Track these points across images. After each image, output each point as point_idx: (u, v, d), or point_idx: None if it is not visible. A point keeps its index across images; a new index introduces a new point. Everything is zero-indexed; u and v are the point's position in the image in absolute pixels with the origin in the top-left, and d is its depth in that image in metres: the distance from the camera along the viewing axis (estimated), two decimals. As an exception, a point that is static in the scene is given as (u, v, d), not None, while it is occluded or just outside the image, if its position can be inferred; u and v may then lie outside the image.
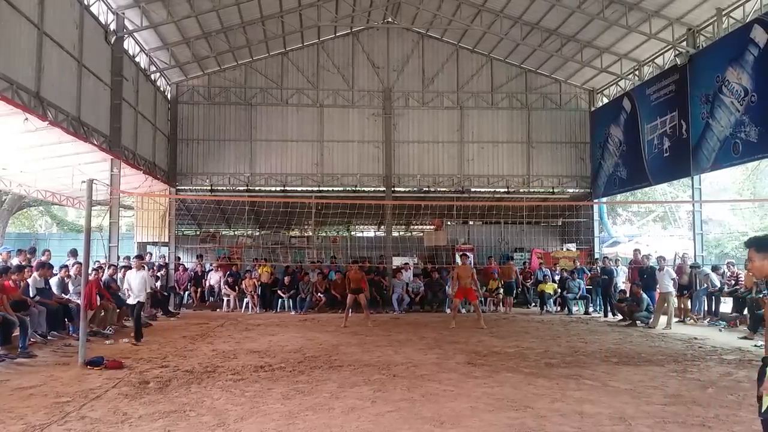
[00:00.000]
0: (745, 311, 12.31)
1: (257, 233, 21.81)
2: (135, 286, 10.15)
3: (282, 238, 21.67)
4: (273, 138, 19.73)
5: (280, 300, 16.61)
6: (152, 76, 17.22)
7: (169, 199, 18.91)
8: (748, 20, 12.99)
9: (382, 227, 21.97)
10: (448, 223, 21.57)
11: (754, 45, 12.38)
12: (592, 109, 20.52)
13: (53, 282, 10.98)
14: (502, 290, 17.02)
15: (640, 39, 16.30)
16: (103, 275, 12.25)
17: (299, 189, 20.14)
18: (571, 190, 20.83)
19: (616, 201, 22.92)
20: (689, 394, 6.26)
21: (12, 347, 8.52)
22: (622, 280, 16.48)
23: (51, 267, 11.15)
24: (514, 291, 17.47)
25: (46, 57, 10.47)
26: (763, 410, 3.05)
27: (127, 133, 14.81)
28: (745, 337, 10.86)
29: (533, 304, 17.75)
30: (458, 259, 18.91)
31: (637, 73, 17.96)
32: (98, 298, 10.97)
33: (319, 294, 16.43)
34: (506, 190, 20.43)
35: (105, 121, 13.48)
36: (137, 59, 15.84)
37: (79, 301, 10.28)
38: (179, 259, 18.81)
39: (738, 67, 12.89)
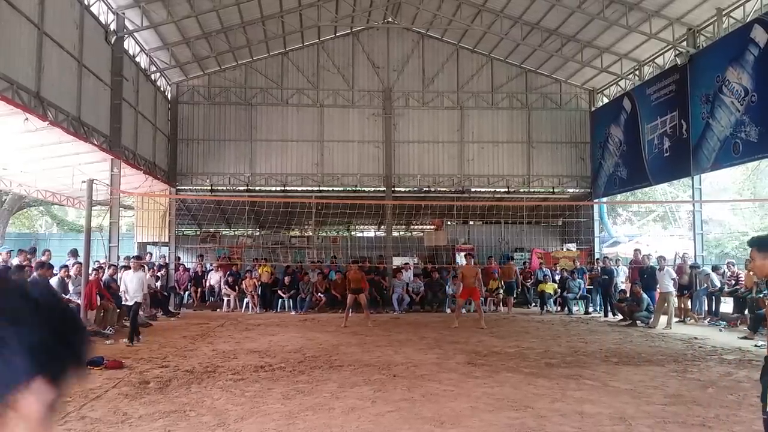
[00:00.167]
0: (746, 311, 12.32)
1: (257, 233, 21.80)
2: (132, 287, 10.02)
3: (282, 238, 21.66)
4: (273, 138, 19.73)
5: (280, 300, 16.61)
6: (152, 76, 17.21)
7: (169, 199, 18.91)
8: (748, 20, 12.98)
9: (382, 227, 21.96)
10: (448, 223, 21.56)
11: (754, 45, 12.37)
12: (593, 109, 20.51)
13: (53, 282, 10.97)
14: (502, 290, 17.03)
15: (640, 39, 16.29)
16: (103, 275, 12.26)
17: (299, 189, 20.13)
18: (571, 190, 20.83)
19: (616, 201, 22.91)
20: (689, 394, 6.26)
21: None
22: (622, 280, 16.47)
23: (51, 267, 11.15)
24: (515, 291, 17.47)
25: (46, 57, 10.47)
26: (767, 409, 3.05)
27: (127, 133, 14.81)
28: (745, 337, 10.86)
29: (533, 304, 17.74)
30: (459, 259, 18.96)
31: (637, 73, 17.95)
32: (98, 298, 10.99)
33: (319, 294, 16.43)
34: (506, 190, 20.42)
35: (105, 121, 13.48)
36: (137, 59, 15.84)
37: (79, 301, 10.30)
38: (179, 259, 18.82)
39: (738, 67, 12.88)
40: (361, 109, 20.02)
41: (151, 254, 18.30)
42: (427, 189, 20.28)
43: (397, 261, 19.38)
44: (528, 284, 18.10)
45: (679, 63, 15.23)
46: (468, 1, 17.32)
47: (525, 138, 20.48)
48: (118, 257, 13.98)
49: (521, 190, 20.49)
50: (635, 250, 16.98)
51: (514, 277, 17.55)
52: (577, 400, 5.95)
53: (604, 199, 20.35)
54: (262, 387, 6.51)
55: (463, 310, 14.19)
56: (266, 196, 19.04)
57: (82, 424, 5.04)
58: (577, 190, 20.78)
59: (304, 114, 19.84)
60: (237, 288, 16.75)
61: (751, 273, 12.20)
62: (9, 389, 0.63)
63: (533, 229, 21.67)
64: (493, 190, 20.44)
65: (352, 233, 23.95)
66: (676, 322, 13.16)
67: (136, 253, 17.58)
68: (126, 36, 14.46)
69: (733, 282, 13.52)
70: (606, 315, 15.36)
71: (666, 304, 12.98)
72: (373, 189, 20.11)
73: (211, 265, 18.65)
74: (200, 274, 17.55)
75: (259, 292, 16.56)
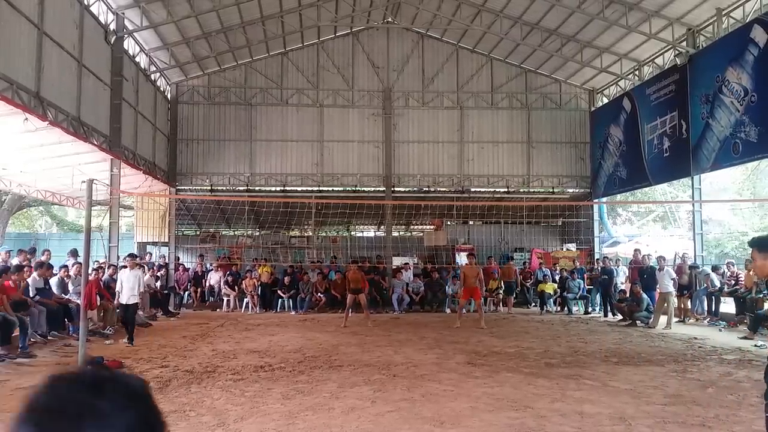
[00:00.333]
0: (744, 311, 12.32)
1: (257, 233, 21.80)
2: (127, 285, 9.82)
3: (282, 238, 21.67)
4: (273, 138, 19.73)
5: (280, 300, 16.61)
6: (152, 76, 17.21)
7: (169, 199, 18.91)
8: (748, 20, 12.99)
9: (382, 227, 21.97)
10: (448, 223, 21.56)
11: (754, 45, 12.37)
12: (592, 109, 20.52)
13: (53, 282, 10.98)
14: (502, 290, 17.03)
15: (640, 39, 16.29)
16: (103, 275, 12.26)
17: (299, 189, 20.14)
18: (571, 190, 20.83)
19: (616, 201, 22.91)
20: (689, 394, 6.26)
21: (12, 347, 8.52)
22: (622, 280, 16.47)
23: (51, 267, 11.15)
24: (515, 291, 17.47)
25: (46, 57, 10.47)
26: None
27: (127, 133, 14.81)
28: (745, 337, 10.86)
29: (533, 304, 17.74)
30: (459, 259, 18.95)
31: (637, 73, 17.95)
32: (98, 298, 10.99)
33: (319, 294, 16.43)
34: (506, 190, 20.42)
35: (105, 121, 13.48)
36: (137, 59, 15.84)
37: (79, 301, 10.29)
38: (178, 259, 18.82)
39: (738, 67, 12.88)
40: (361, 109, 20.03)
41: (151, 254, 18.30)
42: (427, 189, 20.28)
43: (397, 261, 19.38)
44: (528, 284, 18.10)
45: (678, 63, 15.23)
46: (468, 1, 17.33)
47: (525, 138, 20.48)
48: (118, 257, 13.98)
49: (521, 190, 20.49)
50: (635, 250, 16.98)
51: (514, 277, 17.56)
52: (577, 400, 5.95)
53: (604, 199, 20.35)
54: (262, 387, 6.51)
55: (463, 310, 14.17)
56: (266, 196, 19.04)
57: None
58: (577, 190, 20.79)
59: (304, 114, 19.84)
60: (237, 288, 16.75)
61: (751, 273, 12.22)
62: None
63: (533, 229, 21.67)
64: (492, 190, 20.44)
65: (352, 233, 23.95)
66: (676, 322, 13.16)
67: (136, 253, 17.59)
68: (126, 36, 14.46)
69: (733, 282, 13.52)
70: (606, 315, 15.36)
71: (666, 304, 12.98)
72: (373, 189, 20.11)
73: (210, 265, 18.66)
74: (200, 274, 17.56)
75: (259, 292, 16.57)
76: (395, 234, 21.51)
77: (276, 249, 20.66)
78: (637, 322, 13.04)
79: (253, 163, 19.67)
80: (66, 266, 11.73)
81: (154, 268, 16.05)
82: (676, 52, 15.46)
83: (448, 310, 16.18)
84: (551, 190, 20.85)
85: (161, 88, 18.32)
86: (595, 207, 20.55)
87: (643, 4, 14.92)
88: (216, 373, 7.28)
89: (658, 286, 13.21)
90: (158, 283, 15.51)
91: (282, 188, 19.81)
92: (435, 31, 19.96)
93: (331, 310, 15.95)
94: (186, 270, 17.64)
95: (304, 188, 20.11)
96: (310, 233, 21.74)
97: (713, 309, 13.69)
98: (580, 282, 16.68)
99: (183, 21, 15.58)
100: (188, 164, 19.52)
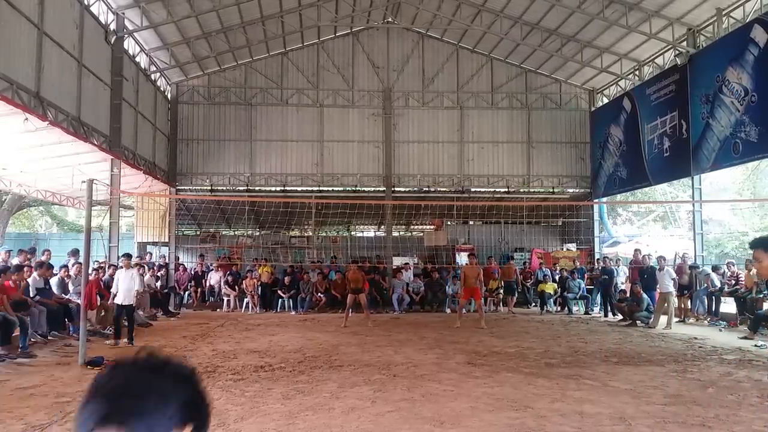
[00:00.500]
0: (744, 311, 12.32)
1: (257, 233, 21.81)
2: (122, 286, 9.72)
3: (282, 238, 21.67)
4: (273, 138, 19.73)
5: (280, 300, 16.61)
6: (152, 76, 17.21)
7: (169, 199, 18.91)
8: (748, 20, 12.98)
9: (382, 227, 21.97)
10: (448, 223, 21.56)
11: (754, 45, 12.37)
12: (592, 109, 20.51)
13: (53, 282, 10.98)
14: (502, 290, 17.02)
15: (640, 39, 16.29)
16: (103, 275, 12.26)
17: (299, 189, 20.14)
18: (571, 190, 20.83)
19: (616, 201, 22.90)
20: (689, 394, 6.26)
21: (12, 347, 8.52)
22: (622, 280, 16.47)
23: (51, 267, 11.15)
24: (516, 291, 17.47)
25: (46, 57, 10.47)
26: None
27: (127, 133, 14.81)
28: (745, 337, 10.86)
29: (533, 304, 17.74)
30: (459, 259, 18.95)
31: (637, 73, 17.95)
32: (98, 298, 10.99)
33: (319, 294, 16.43)
34: (506, 190, 20.42)
35: (105, 121, 13.48)
36: (137, 59, 15.84)
37: (79, 301, 10.28)
38: (178, 258, 18.82)
39: (738, 66, 12.88)
40: (361, 109, 20.02)
41: (151, 254, 18.30)
42: (427, 189, 20.28)
43: (397, 261, 19.38)
44: (528, 284, 18.10)
45: (679, 63, 15.23)
46: (468, 1, 17.32)
47: (525, 138, 20.48)
48: (118, 257, 13.96)
49: (521, 190, 20.49)
50: (635, 250, 16.98)
51: (514, 276, 17.56)
52: (577, 400, 5.95)
53: (604, 199, 20.35)
54: (262, 387, 6.51)
55: (463, 310, 14.17)
56: (266, 196, 19.04)
57: (82, 424, 5.03)
58: (577, 190, 20.78)
59: (304, 114, 19.84)
60: (237, 288, 16.75)
61: (751, 273, 12.23)
62: (171, 430, 0.97)
63: (533, 229, 21.67)
64: (493, 190, 20.44)
65: (352, 233, 23.95)
66: (676, 322, 13.16)
67: (137, 253, 17.61)
68: (126, 36, 14.46)
69: (733, 282, 13.52)
70: (606, 315, 15.36)
71: (666, 304, 12.98)
72: (373, 189, 20.11)
73: (211, 265, 18.66)
74: (200, 274, 17.56)
75: (259, 292, 16.57)
76: (395, 234, 21.51)
77: (276, 249, 20.66)
78: (638, 322, 13.04)
79: (253, 163, 19.67)
80: (66, 266, 11.73)
81: (155, 268, 16.05)
82: (676, 52, 15.46)
83: (448, 310, 16.19)
84: (551, 190, 20.85)
85: (161, 88, 18.32)
86: (596, 207, 20.54)
87: (643, 4, 14.92)
88: (216, 373, 7.28)
89: (658, 286, 13.21)
90: (158, 283, 15.51)
91: (282, 188, 19.81)
92: (435, 31, 19.96)
93: (331, 310, 15.96)
94: (186, 270, 17.64)
95: (304, 188, 20.11)
96: (310, 233, 21.75)
97: (713, 309, 13.69)
98: (580, 282, 16.68)
99: (183, 21, 15.58)
100: (188, 164, 19.52)
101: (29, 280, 10.19)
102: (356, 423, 5.09)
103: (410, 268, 18.12)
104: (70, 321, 10.50)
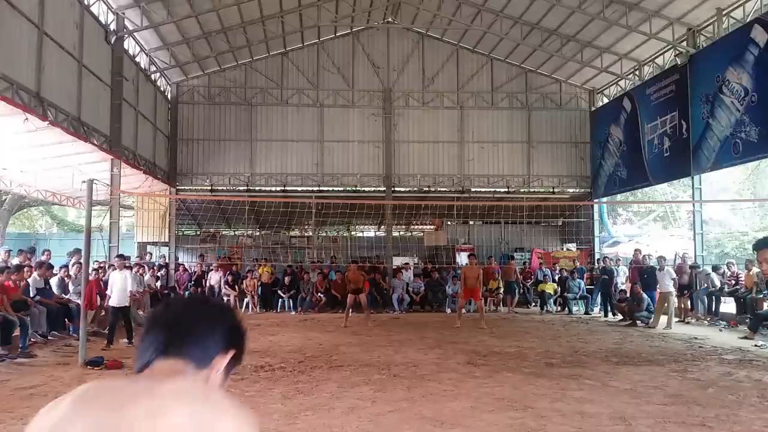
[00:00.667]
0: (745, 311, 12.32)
1: (257, 233, 21.81)
2: (116, 287, 9.61)
3: (282, 238, 21.67)
4: (273, 138, 19.73)
5: (280, 300, 16.61)
6: (152, 76, 17.21)
7: (169, 199, 18.92)
8: (748, 20, 12.98)
9: (382, 227, 21.97)
10: (448, 223, 21.56)
11: (754, 45, 12.37)
12: (593, 109, 20.51)
13: (53, 282, 10.98)
14: (502, 290, 17.02)
15: (640, 39, 16.29)
16: (103, 275, 12.24)
17: (299, 189, 20.14)
18: (571, 190, 20.83)
19: (616, 201, 22.90)
20: (689, 394, 6.26)
21: (12, 347, 8.52)
22: (622, 280, 16.47)
23: (51, 267, 11.15)
24: (516, 290, 17.46)
25: (46, 57, 10.47)
26: None
27: (127, 133, 14.81)
28: (745, 337, 10.85)
29: (533, 304, 17.73)
30: (459, 259, 18.95)
31: (637, 73, 17.95)
32: (98, 298, 10.98)
33: (319, 294, 16.43)
34: (506, 190, 20.42)
35: (105, 121, 13.48)
36: (137, 59, 15.84)
37: (79, 301, 10.28)
38: (178, 258, 18.81)
39: (738, 67, 12.88)
40: (361, 109, 20.03)
41: (151, 254, 18.30)
42: (427, 189, 20.28)
43: (397, 261, 19.38)
44: (528, 284, 18.10)
45: (679, 63, 15.23)
46: (468, 1, 17.32)
47: (525, 138, 20.48)
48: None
49: (521, 190, 20.49)
50: (635, 250, 16.96)
51: (514, 276, 17.55)
52: (577, 400, 5.95)
53: (604, 199, 20.35)
54: (262, 387, 6.51)
55: (463, 310, 14.18)
56: (266, 196, 19.04)
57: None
58: (577, 190, 20.78)
59: (304, 114, 19.84)
60: (237, 288, 16.74)
61: (751, 273, 12.23)
62: (215, 354, 1.16)
63: (533, 229, 21.67)
64: (493, 190, 20.44)
65: (352, 233, 23.95)
66: (677, 322, 13.16)
67: (137, 253, 17.61)
68: (126, 36, 14.46)
69: (733, 282, 13.52)
70: (606, 315, 15.36)
71: (666, 304, 12.97)
72: (373, 189, 20.12)
73: (211, 266, 18.64)
74: (200, 274, 17.54)
75: (259, 292, 16.56)
76: (395, 234, 21.51)
77: (276, 249, 20.66)
78: (638, 322, 13.03)
79: (254, 163, 19.68)
80: (66, 266, 11.73)
81: (155, 268, 16.05)
82: (677, 52, 15.46)
83: (448, 310, 16.18)
84: (551, 190, 20.85)
85: (161, 88, 18.32)
86: (596, 207, 20.55)
87: (643, 4, 14.92)
88: (216, 373, 7.27)
89: (658, 286, 13.20)
90: (158, 283, 15.50)
91: (282, 188, 19.81)
92: (435, 31, 19.96)
93: (331, 310, 15.96)
94: (186, 270, 17.63)
95: (305, 188, 20.12)
96: (311, 233, 21.75)
97: (713, 309, 13.69)
98: (580, 282, 16.67)
99: (183, 21, 15.58)
100: (188, 164, 19.52)
101: (29, 280, 10.18)
102: (356, 423, 5.09)
103: (410, 268, 18.12)
104: (70, 321, 10.50)
